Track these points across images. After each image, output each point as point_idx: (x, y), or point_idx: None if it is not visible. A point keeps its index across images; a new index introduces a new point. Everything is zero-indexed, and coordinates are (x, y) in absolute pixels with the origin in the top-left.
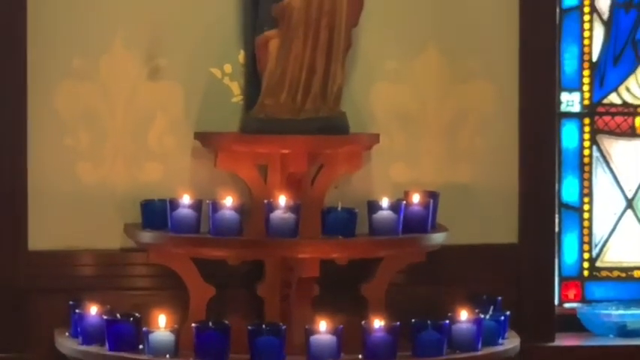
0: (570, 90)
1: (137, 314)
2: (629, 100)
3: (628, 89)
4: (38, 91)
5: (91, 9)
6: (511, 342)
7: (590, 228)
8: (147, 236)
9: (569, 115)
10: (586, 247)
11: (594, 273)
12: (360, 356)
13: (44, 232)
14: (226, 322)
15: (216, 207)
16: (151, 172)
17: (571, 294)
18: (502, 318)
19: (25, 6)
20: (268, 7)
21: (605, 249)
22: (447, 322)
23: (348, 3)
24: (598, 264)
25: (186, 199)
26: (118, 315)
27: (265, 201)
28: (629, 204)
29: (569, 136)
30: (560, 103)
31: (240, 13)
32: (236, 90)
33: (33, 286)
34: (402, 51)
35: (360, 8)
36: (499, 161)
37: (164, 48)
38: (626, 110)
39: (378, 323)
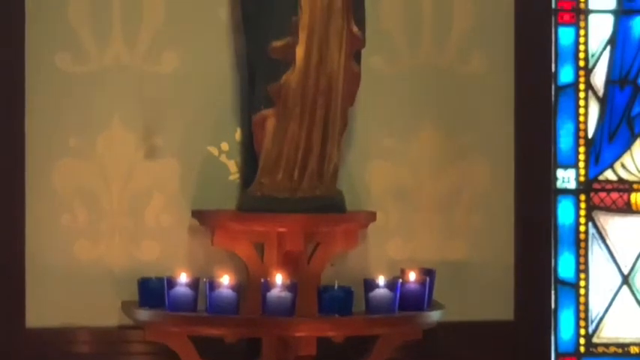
0: (566, 167)
1: None
2: (625, 176)
3: (623, 166)
4: (36, 169)
5: (88, 88)
6: None
7: (586, 304)
8: (144, 314)
9: (565, 191)
10: (582, 322)
11: (591, 349)
12: None
13: (42, 310)
14: None
15: (213, 285)
16: (148, 250)
17: None
18: None
19: (24, 85)
20: (264, 86)
21: (601, 325)
22: None
23: (344, 82)
24: (594, 340)
25: (183, 278)
26: None
27: (262, 280)
28: (625, 280)
29: (565, 212)
30: (556, 179)
31: (236, 92)
32: (233, 168)
33: None
34: (398, 129)
35: (356, 88)
36: (495, 238)
37: (161, 126)
38: (621, 187)
39: None
